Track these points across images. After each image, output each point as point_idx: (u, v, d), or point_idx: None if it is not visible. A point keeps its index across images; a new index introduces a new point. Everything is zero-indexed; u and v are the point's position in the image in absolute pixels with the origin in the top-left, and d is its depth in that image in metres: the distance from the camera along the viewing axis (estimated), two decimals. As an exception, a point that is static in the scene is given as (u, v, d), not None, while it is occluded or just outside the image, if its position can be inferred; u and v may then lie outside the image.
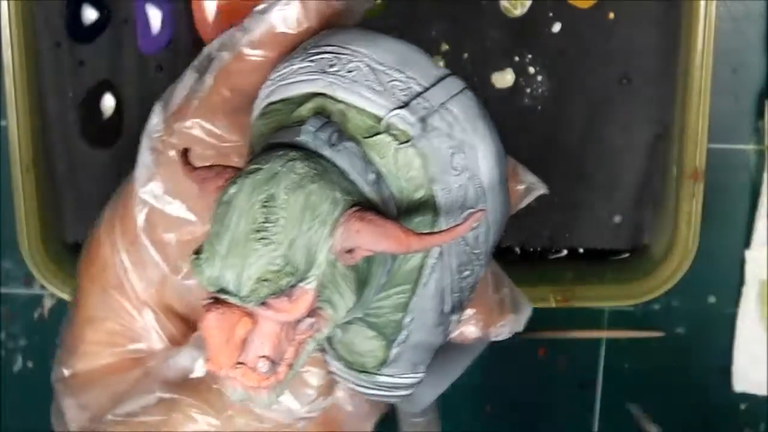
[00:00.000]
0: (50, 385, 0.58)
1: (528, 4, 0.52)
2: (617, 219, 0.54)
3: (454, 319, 0.36)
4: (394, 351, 0.36)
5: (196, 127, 0.39)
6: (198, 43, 0.52)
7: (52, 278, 0.52)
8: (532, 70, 0.52)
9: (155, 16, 0.52)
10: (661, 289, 0.52)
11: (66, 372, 0.42)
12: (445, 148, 0.33)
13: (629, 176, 0.53)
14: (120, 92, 0.53)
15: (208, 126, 0.39)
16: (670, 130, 0.52)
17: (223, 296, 0.30)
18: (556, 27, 0.52)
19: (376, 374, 0.37)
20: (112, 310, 0.41)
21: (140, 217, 0.40)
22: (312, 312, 0.31)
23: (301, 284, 0.31)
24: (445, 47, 0.52)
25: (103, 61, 0.52)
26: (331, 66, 0.33)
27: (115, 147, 0.53)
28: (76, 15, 0.52)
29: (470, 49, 0.52)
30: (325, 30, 0.36)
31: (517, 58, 0.52)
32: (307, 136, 0.32)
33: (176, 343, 0.42)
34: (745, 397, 0.57)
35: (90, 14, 0.52)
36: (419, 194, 0.33)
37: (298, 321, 0.31)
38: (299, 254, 0.30)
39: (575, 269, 0.54)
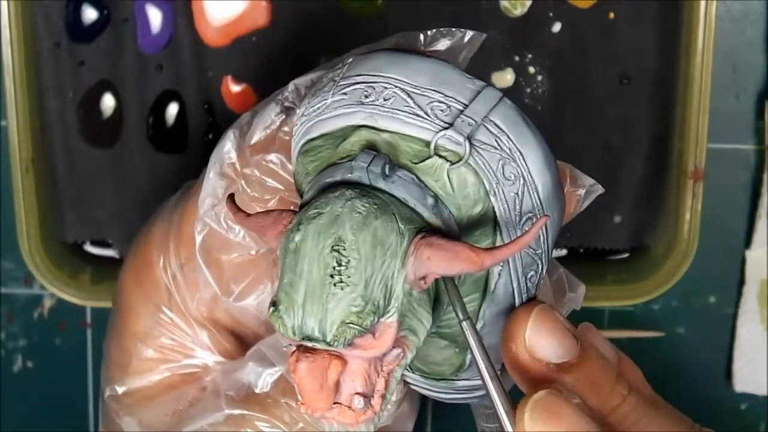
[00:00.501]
0: (50, 386, 0.58)
1: (528, 4, 0.52)
2: (617, 219, 0.54)
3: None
4: (469, 356, 0.36)
5: (277, 162, 0.39)
6: (198, 43, 0.52)
7: (52, 278, 0.52)
8: (532, 70, 0.52)
9: (155, 16, 0.52)
10: (661, 289, 0.52)
11: (119, 389, 0.42)
12: (496, 160, 0.33)
13: (629, 176, 0.53)
14: (120, 92, 0.53)
15: (288, 166, 0.39)
16: (670, 130, 0.52)
17: (308, 343, 0.31)
18: (556, 27, 0.52)
19: (455, 380, 0.37)
20: (165, 326, 0.41)
21: (199, 239, 0.40)
22: (396, 342, 0.32)
23: (382, 319, 0.31)
24: (445, 47, 0.52)
25: (103, 61, 0.52)
26: (367, 96, 0.33)
27: (115, 147, 0.53)
28: (76, 15, 0.52)
29: (470, 49, 0.52)
30: (351, 58, 0.35)
31: (517, 58, 0.52)
32: (359, 172, 0.32)
33: (230, 357, 0.42)
34: (745, 397, 0.57)
35: (90, 14, 0.52)
36: (477, 209, 0.33)
37: (385, 353, 0.32)
38: (377, 291, 0.31)
39: (575, 269, 0.54)
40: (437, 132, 0.32)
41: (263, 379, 0.40)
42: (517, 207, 0.33)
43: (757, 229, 0.55)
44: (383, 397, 0.32)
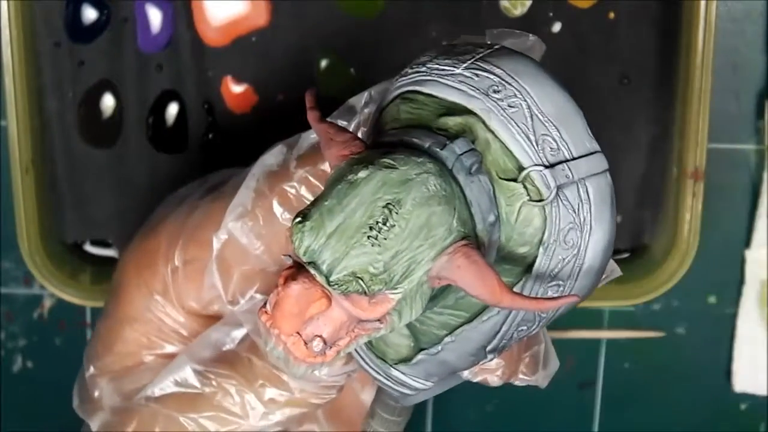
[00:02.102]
0: (50, 386, 0.58)
1: (528, 4, 0.52)
2: (617, 219, 0.54)
3: (488, 358, 0.36)
4: (419, 357, 0.36)
5: (327, 171, 0.38)
6: (198, 43, 0.52)
7: (51, 278, 0.52)
8: (532, 70, 0.52)
9: (155, 16, 0.52)
10: (661, 289, 0.52)
11: (100, 368, 0.43)
12: (567, 221, 0.33)
13: (629, 176, 0.53)
14: (120, 92, 0.53)
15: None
16: (670, 130, 0.52)
17: (310, 269, 0.30)
18: (556, 27, 0.52)
19: (391, 367, 0.37)
20: (155, 313, 0.42)
21: (217, 245, 0.40)
22: (382, 316, 0.32)
23: (387, 292, 0.31)
24: (445, 47, 0.52)
25: (103, 61, 0.52)
26: (496, 92, 0.33)
27: (115, 147, 0.53)
28: (75, 15, 0.52)
29: (470, 49, 0.52)
30: (499, 45, 0.35)
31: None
32: (450, 154, 0.32)
33: None
34: (745, 397, 0.57)
35: (90, 14, 0.52)
36: (523, 250, 0.33)
37: (366, 320, 0.31)
38: (399, 266, 0.30)
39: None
40: (536, 165, 0.32)
41: (230, 337, 0.40)
42: (556, 269, 0.33)
43: (757, 229, 0.55)
44: (338, 353, 0.32)
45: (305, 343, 0.31)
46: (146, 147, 0.53)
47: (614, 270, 0.39)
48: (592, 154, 0.33)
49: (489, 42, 0.35)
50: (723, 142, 0.54)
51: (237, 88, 0.53)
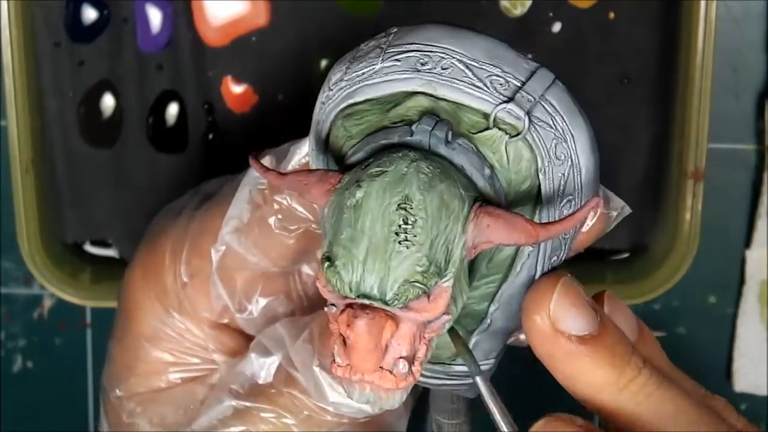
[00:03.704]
0: (50, 386, 0.58)
1: (528, 4, 0.52)
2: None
3: None
4: (474, 340, 0.36)
5: None
6: (198, 43, 0.52)
7: (51, 278, 0.52)
8: (532, 70, 0.52)
9: (155, 16, 0.52)
10: (661, 289, 0.52)
11: (128, 390, 0.42)
12: (550, 138, 0.33)
13: (629, 176, 0.53)
14: (120, 92, 0.53)
15: None
16: (670, 130, 0.52)
17: (364, 301, 0.30)
18: (556, 27, 0.52)
19: (452, 364, 0.37)
20: (174, 328, 0.42)
21: (216, 257, 0.40)
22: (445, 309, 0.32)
23: (440, 283, 0.31)
24: (445, 47, 0.52)
25: (103, 60, 0.52)
26: (423, 64, 0.33)
27: (115, 147, 0.53)
28: (75, 15, 0.52)
29: (470, 49, 0.52)
30: (395, 28, 0.35)
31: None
32: (422, 135, 0.32)
33: (237, 355, 0.42)
34: (745, 397, 0.57)
35: (90, 14, 0.52)
36: (525, 185, 0.34)
37: (431, 320, 0.31)
38: (440, 253, 0.31)
39: (575, 269, 0.54)
40: (497, 105, 0.32)
41: (265, 369, 0.40)
42: (561, 188, 0.34)
43: (757, 229, 0.55)
44: (421, 365, 0.32)
45: (390, 372, 0.31)
46: (146, 147, 0.53)
47: (624, 207, 0.39)
48: (536, 71, 0.33)
49: (389, 30, 0.35)
50: (723, 142, 0.54)
51: (237, 88, 0.53)
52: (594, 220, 0.37)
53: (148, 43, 0.52)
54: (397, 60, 0.33)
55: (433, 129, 0.32)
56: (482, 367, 0.37)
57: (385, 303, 0.30)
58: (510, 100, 0.32)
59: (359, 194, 0.31)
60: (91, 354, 0.58)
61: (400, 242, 0.30)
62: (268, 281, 0.40)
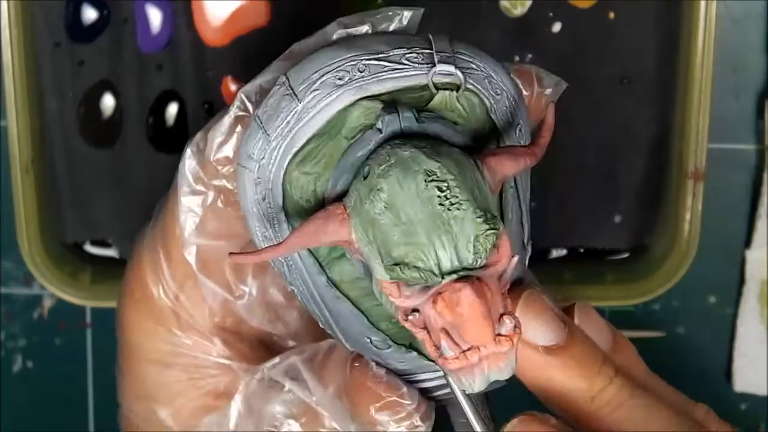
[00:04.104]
0: (50, 386, 0.58)
1: (528, 4, 0.52)
2: (617, 219, 0.54)
3: (528, 250, 0.37)
4: None
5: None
6: (198, 43, 0.52)
7: (51, 278, 0.52)
8: (532, 70, 0.52)
9: (155, 16, 0.52)
10: (661, 289, 0.52)
11: (155, 420, 0.42)
12: (482, 79, 0.34)
13: (629, 176, 0.53)
14: (120, 92, 0.53)
15: None
16: (670, 130, 0.52)
17: (448, 279, 0.31)
18: (556, 27, 0.52)
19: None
20: (182, 347, 0.41)
21: (192, 260, 0.40)
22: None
23: (499, 227, 0.32)
24: (445, 47, 0.52)
25: (103, 61, 0.52)
26: (340, 79, 0.33)
27: (115, 147, 0.53)
28: (75, 15, 0.52)
29: (470, 49, 0.52)
30: (284, 75, 0.35)
31: (517, 58, 0.52)
32: (393, 124, 0.33)
33: (248, 359, 0.41)
34: (745, 397, 0.57)
35: (90, 14, 0.52)
36: (485, 128, 0.35)
37: (505, 269, 0.32)
38: (482, 200, 0.31)
39: (575, 269, 0.54)
40: (428, 72, 0.34)
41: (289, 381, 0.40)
42: (508, 118, 0.35)
43: (757, 229, 0.55)
44: (515, 317, 0.32)
45: (500, 336, 0.31)
46: (146, 147, 0.53)
47: (559, 82, 0.40)
48: (430, 38, 0.35)
49: (280, 79, 0.36)
50: (723, 142, 0.54)
51: (237, 88, 0.53)
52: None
53: (148, 43, 0.52)
54: (314, 91, 0.34)
55: (397, 118, 0.33)
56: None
57: (469, 269, 0.31)
58: (434, 64, 0.34)
59: (384, 195, 0.31)
60: (91, 354, 0.58)
61: (449, 208, 0.31)
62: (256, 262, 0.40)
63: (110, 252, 0.55)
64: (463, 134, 0.34)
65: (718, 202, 0.54)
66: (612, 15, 0.52)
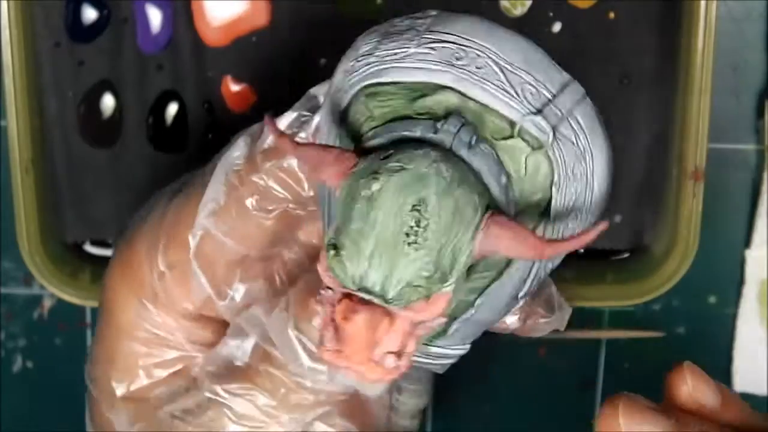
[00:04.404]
0: (50, 386, 0.58)
1: (528, 4, 0.52)
2: (617, 219, 0.54)
3: (520, 303, 0.37)
4: (454, 327, 0.36)
5: (293, 168, 0.38)
6: (198, 43, 0.52)
7: (51, 278, 0.52)
8: (532, 70, 0.52)
9: (155, 16, 0.52)
10: (661, 289, 0.52)
11: (106, 385, 0.42)
12: (571, 155, 0.33)
13: (629, 176, 0.53)
14: (120, 92, 0.53)
15: (300, 175, 0.38)
16: (670, 130, 0.52)
17: (363, 295, 0.30)
18: (556, 27, 0.52)
19: (429, 345, 0.37)
20: (149, 321, 0.41)
21: (194, 243, 0.39)
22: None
23: (441, 288, 0.31)
24: (445, 47, 0.52)
25: (103, 61, 0.52)
26: (458, 59, 0.32)
27: (115, 147, 0.53)
28: (75, 15, 0.52)
29: (470, 49, 0.52)
30: (435, 12, 0.34)
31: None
32: (446, 135, 0.32)
33: (214, 347, 0.42)
34: (745, 397, 0.57)
35: (90, 14, 0.52)
36: (537, 197, 0.33)
37: (426, 321, 0.32)
38: (446, 260, 0.30)
39: (575, 269, 0.54)
40: (525, 115, 0.32)
41: (242, 350, 0.40)
42: (571, 204, 0.33)
43: (757, 229, 0.55)
44: (409, 359, 0.32)
45: (379, 365, 0.31)
46: (146, 147, 0.53)
47: (565, 315, 0.40)
48: (567, 85, 0.33)
49: (426, 12, 0.34)
50: (723, 142, 0.54)
51: (237, 88, 0.53)
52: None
53: (148, 43, 0.52)
54: (432, 48, 0.33)
55: (458, 132, 0.32)
56: (458, 352, 0.37)
57: (386, 301, 0.30)
58: (539, 112, 0.32)
59: (375, 187, 0.30)
60: (91, 354, 0.58)
61: (409, 244, 0.30)
62: (248, 266, 0.40)
63: (110, 252, 0.55)
64: (505, 189, 0.33)
65: (718, 202, 0.54)
66: (612, 15, 0.52)
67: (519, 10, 0.52)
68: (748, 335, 0.56)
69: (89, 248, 0.55)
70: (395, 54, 0.33)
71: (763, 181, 0.55)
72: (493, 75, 0.32)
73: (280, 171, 0.38)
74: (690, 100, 0.50)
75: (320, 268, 0.31)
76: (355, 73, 0.34)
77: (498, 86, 0.32)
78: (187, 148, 0.53)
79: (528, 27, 0.52)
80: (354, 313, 0.30)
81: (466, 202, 0.31)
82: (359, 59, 0.34)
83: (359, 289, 0.30)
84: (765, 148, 0.54)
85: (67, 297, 0.53)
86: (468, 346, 0.37)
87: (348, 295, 0.31)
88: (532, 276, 0.35)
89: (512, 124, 0.32)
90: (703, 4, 0.49)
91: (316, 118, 0.38)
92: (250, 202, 0.39)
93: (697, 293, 0.56)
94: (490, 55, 0.33)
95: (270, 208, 0.39)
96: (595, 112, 0.34)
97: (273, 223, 0.39)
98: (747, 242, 0.56)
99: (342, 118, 0.35)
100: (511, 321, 0.39)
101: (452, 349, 0.37)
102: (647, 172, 0.53)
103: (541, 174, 0.33)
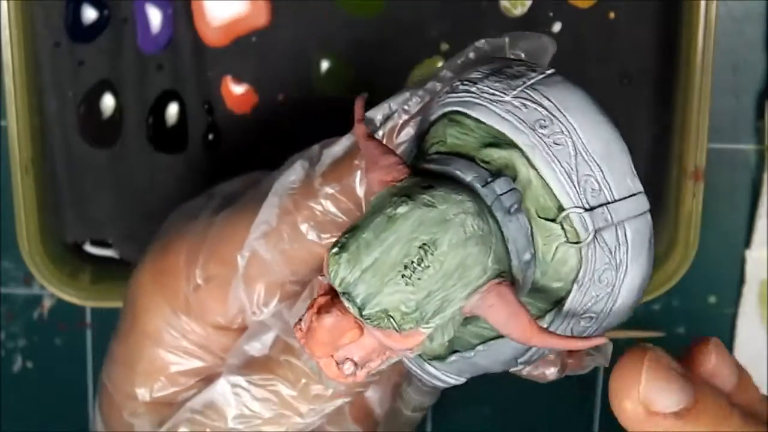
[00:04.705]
0: (50, 386, 0.58)
1: (528, 4, 0.52)
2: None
3: (519, 368, 0.36)
4: (453, 358, 0.36)
5: (355, 186, 0.38)
6: (198, 43, 0.52)
7: (51, 278, 0.52)
8: (532, 70, 0.52)
9: (155, 16, 0.52)
10: (660, 289, 0.52)
11: (129, 389, 0.42)
12: (603, 263, 0.33)
13: (629, 176, 0.53)
14: (120, 92, 0.53)
15: (359, 195, 0.38)
16: (670, 130, 0.52)
17: (344, 300, 0.31)
18: (556, 27, 0.52)
19: (426, 362, 0.37)
20: (179, 330, 0.41)
21: (242, 263, 0.39)
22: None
23: (416, 328, 0.31)
24: (445, 47, 0.52)
25: (103, 61, 0.52)
26: (542, 127, 0.32)
27: (115, 147, 0.53)
28: (76, 15, 0.52)
29: (470, 49, 0.52)
30: (551, 71, 0.34)
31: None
32: (490, 192, 0.32)
33: None
34: (745, 397, 0.57)
35: (90, 14, 0.52)
36: (556, 285, 0.33)
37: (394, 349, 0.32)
38: (432, 305, 0.31)
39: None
40: (576, 206, 0.32)
41: (262, 342, 0.40)
42: (588, 305, 0.33)
43: (757, 229, 0.55)
44: (368, 373, 0.32)
45: (337, 364, 0.31)
46: (146, 147, 0.53)
47: (605, 360, 0.39)
48: (633, 195, 0.32)
49: (538, 66, 0.34)
50: (723, 142, 0.54)
51: (237, 88, 0.53)
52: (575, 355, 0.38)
53: (148, 43, 0.52)
54: (524, 104, 0.33)
55: (502, 194, 0.32)
56: (451, 380, 0.37)
57: (361, 315, 0.31)
58: (591, 209, 0.32)
59: (401, 210, 0.31)
60: (91, 354, 0.58)
61: (402, 276, 0.30)
62: (287, 291, 0.40)
63: (110, 252, 0.55)
64: (526, 265, 0.32)
65: (718, 202, 0.54)
66: (612, 15, 0.52)
67: (519, 10, 0.52)
68: (748, 335, 0.56)
69: (89, 248, 0.55)
70: (493, 95, 0.33)
71: (763, 181, 0.55)
72: (566, 156, 0.32)
73: (339, 194, 0.38)
74: (690, 100, 0.50)
75: (326, 257, 0.31)
76: (452, 95, 0.34)
77: (565, 169, 0.32)
78: (187, 148, 0.53)
79: (528, 27, 0.52)
80: (327, 313, 0.31)
81: (475, 262, 0.31)
82: (464, 82, 0.34)
83: (343, 294, 0.31)
84: (765, 148, 0.54)
85: (67, 297, 0.53)
86: (462, 380, 0.37)
87: (333, 292, 0.31)
88: (533, 349, 0.35)
89: (560, 209, 0.32)
90: (703, 4, 0.49)
91: (335, 148, 0.38)
92: (304, 227, 0.38)
93: (697, 293, 0.56)
94: (573, 136, 0.32)
95: (324, 235, 0.38)
96: (650, 231, 0.33)
97: (323, 251, 0.38)
98: (747, 242, 0.56)
99: (427, 128, 0.35)
100: (551, 372, 0.39)
101: (446, 375, 0.37)
102: (647, 172, 0.53)
103: (567, 266, 0.33)
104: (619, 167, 0.32)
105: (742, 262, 0.56)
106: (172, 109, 0.53)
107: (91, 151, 0.53)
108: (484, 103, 0.33)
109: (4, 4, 0.49)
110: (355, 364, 0.32)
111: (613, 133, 0.33)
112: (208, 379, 0.42)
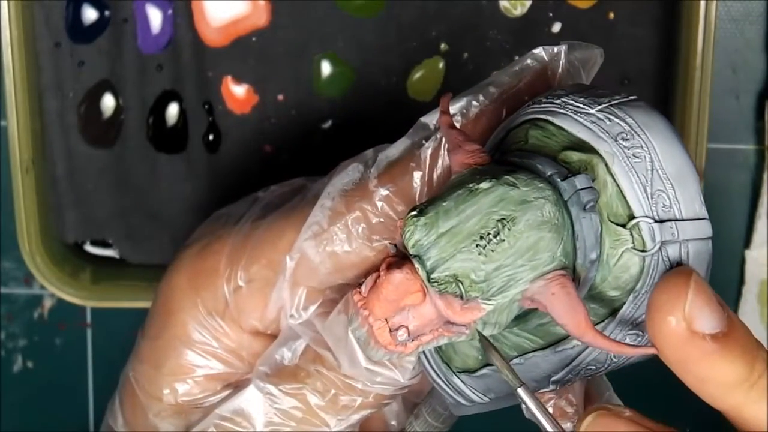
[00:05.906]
0: (50, 386, 0.58)
1: (528, 4, 0.52)
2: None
3: (550, 388, 0.37)
4: (484, 371, 0.37)
5: (417, 183, 0.38)
6: (198, 43, 0.52)
7: (52, 278, 0.52)
8: (532, 70, 0.52)
9: (155, 16, 0.52)
10: (661, 289, 0.52)
11: (156, 390, 0.42)
12: (662, 274, 0.33)
13: (629, 176, 0.53)
14: (120, 92, 0.53)
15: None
16: (670, 130, 0.52)
17: (415, 262, 0.32)
18: (556, 27, 0.52)
19: (454, 374, 0.37)
20: (213, 332, 0.41)
21: (291, 264, 0.39)
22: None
23: (481, 301, 0.32)
24: (445, 47, 0.52)
25: (103, 61, 0.52)
26: (623, 140, 0.33)
27: (115, 147, 0.53)
28: (76, 15, 0.52)
29: (470, 49, 0.52)
30: (635, 97, 0.35)
31: (517, 58, 0.52)
32: (569, 187, 0.33)
33: None
34: (745, 397, 0.57)
35: (90, 14, 0.52)
36: (613, 293, 0.34)
37: (454, 324, 0.33)
38: (499, 279, 0.31)
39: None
40: (646, 216, 0.33)
41: (292, 351, 0.40)
42: (640, 318, 0.34)
43: (757, 229, 0.55)
44: (417, 347, 0.33)
45: (390, 331, 0.32)
46: (146, 147, 0.53)
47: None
48: (700, 219, 0.34)
49: (624, 93, 0.35)
50: (723, 142, 0.54)
51: (237, 88, 0.53)
52: None
53: (149, 43, 0.52)
54: (608, 118, 0.34)
55: (581, 189, 0.33)
56: (475, 397, 0.38)
57: (429, 278, 0.31)
58: (660, 221, 0.33)
59: (484, 185, 0.32)
60: (91, 354, 0.58)
61: (477, 245, 0.31)
62: (327, 299, 0.40)
63: (110, 252, 0.55)
64: (590, 265, 0.33)
65: (718, 202, 0.54)
66: (612, 15, 0.52)
67: (519, 10, 0.52)
68: (748, 335, 0.56)
69: (89, 248, 0.55)
70: (578, 107, 0.34)
71: (763, 181, 0.55)
72: (642, 169, 0.33)
73: (394, 196, 0.38)
74: (690, 100, 0.50)
75: (400, 222, 0.32)
76: (536, 105, 0.35)
77: (640, 179, 0.33)
78: (187, 148, 0.53)
79: (528, 27, 0.52)
80: (398, 269, 0.32)
81: (546, 248, 0.32)
82: (548, 96, 0.35)
83: (415, 256, 0.32)
84: (765, 148, 0.54)
85: (67, 297, 0.53)
86: (486, 399, 0.38)
87: (404, 256, 0.32)
88: (572, 366, 0.35)
89: (631, 216, 0.33)
90: (702, 4, 0.49)
91: (391, 150, 0.39)
92: (356, 229, 0.38)
93: (697, 293, 0.56)
94: (651, 153, 0.33)
95: (375, 237, 0.38)
96: (709, 258, 0.35)
97: (373, 255, 0.38)
98: (747, 242, 0.56)
99: (506, 133, 0.36)
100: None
101: (472, 391, 0.37)
102: (647, 172, 0.53)
103: (628, 274, 0.33)
104: (689, 191, 0.33)
105: (742, 262, 0.56)
106: (172, 110, 0.53)
107: (91, 151, 0.53)
108: (569, 113, 0.34)
109: (5, 4, 0.49)
110: (409, 332, 0.32)
111: (687, 160, 0.34)
112: (234, 385, 0.42)
